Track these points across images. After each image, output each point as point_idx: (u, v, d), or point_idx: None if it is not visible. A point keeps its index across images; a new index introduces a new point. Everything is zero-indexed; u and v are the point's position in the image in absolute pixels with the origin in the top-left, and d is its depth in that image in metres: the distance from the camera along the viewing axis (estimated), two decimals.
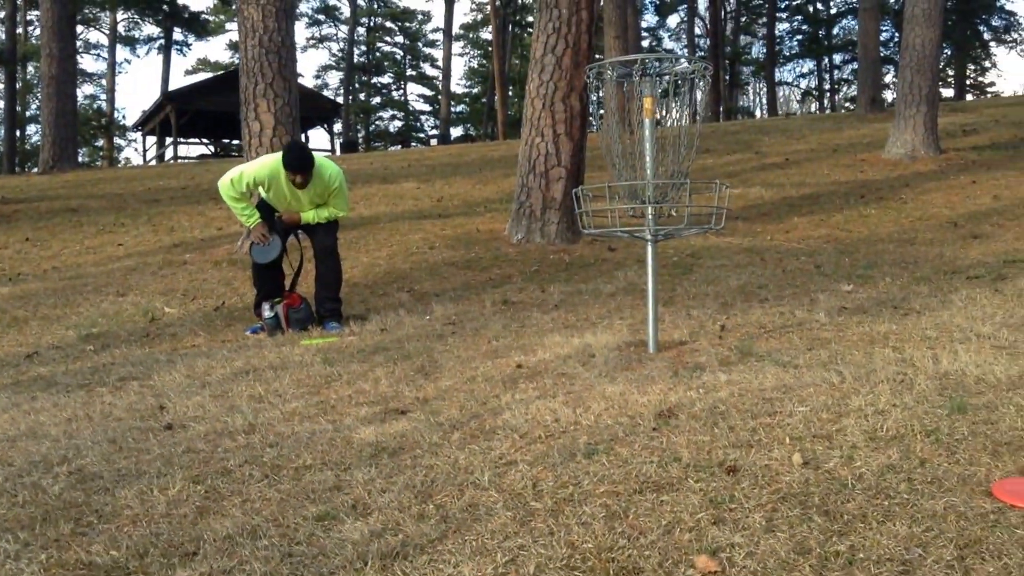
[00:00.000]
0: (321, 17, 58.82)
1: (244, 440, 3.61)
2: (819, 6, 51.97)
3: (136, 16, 48.31)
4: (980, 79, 50.21)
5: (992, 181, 12.04)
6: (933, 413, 3.31)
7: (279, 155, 6.40)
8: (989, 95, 48.26)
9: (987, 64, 49.65)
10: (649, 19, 55.97)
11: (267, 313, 6.43)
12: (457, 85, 62.96)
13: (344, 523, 2.64)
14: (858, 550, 2.27)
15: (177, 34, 50.25)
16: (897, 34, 34.14)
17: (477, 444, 3.32)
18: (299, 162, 6.32)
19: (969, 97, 44.20)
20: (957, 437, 3.04)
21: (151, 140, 40.45)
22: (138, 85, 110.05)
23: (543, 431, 3.42)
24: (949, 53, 42.78)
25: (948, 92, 44.98)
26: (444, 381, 4.45)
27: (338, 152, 37.72)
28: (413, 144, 56.53)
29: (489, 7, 45.81)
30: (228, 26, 52.80)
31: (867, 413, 3.36)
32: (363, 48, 60.98)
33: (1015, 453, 2.87)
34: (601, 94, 5.23)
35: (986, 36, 45.29)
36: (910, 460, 2.85)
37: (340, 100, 52.24)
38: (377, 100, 62.75)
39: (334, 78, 62.08)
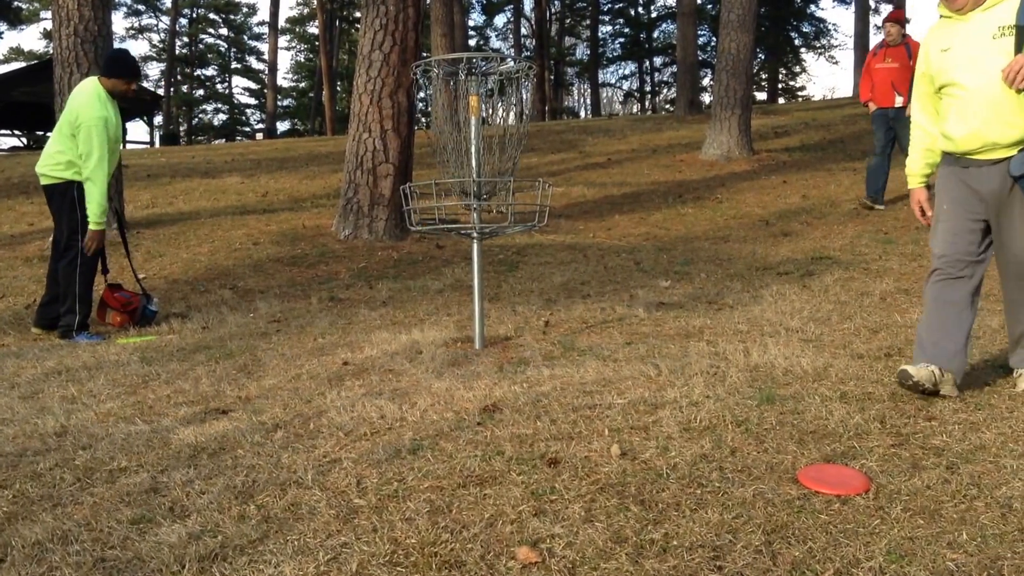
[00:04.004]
0: (141, 7, 56.66)
1: (55, 443, 3.46)
2: (640, 10, 53.47)
3: None
4: (791, 83, 52.64)
5: (802, 181, 12.64)
6: (744, 404, 3.47)
7: (94, 86, 5.96)
8: (800, 99, 50.63)
9: (798, 69, 52.07)
10: (476, 18, 56.29)
11: (152, 307, 6.41)
12: (284, 79, 61.96)
13: (161, 526, 2.56)
14: (672, 537, 2.36)
15: None
16: (714, 39, 35.41)
17: (301, 443, 3.28)
18: (136, 64, 6.13)
19: (781, 100, 46.25)
20: (766, 427, 3.19)
21: None
22: None
23: (368, 428, 3.41)
24: (763, 58, 44.63)
25: (762, 95, 46.99)
26: (268, 380, 4.37)
27: (158, 145, 36.50)
28: (238, 138, 55.21)
29: (315, 1, 45.13)
30: (43, 14, 50.13)
31: (682, 405, 3.49)
32: (185, 40, 59.09)
33: (819, 441, 3.03)
34: (429, 92, 5.25)
35: (797, 42, 47.46)
36: (722, 450, 2.98)
37: (161, 92, 50.38)
38: (200, 93, 60.93)
39: (155, 69, 59.93)
